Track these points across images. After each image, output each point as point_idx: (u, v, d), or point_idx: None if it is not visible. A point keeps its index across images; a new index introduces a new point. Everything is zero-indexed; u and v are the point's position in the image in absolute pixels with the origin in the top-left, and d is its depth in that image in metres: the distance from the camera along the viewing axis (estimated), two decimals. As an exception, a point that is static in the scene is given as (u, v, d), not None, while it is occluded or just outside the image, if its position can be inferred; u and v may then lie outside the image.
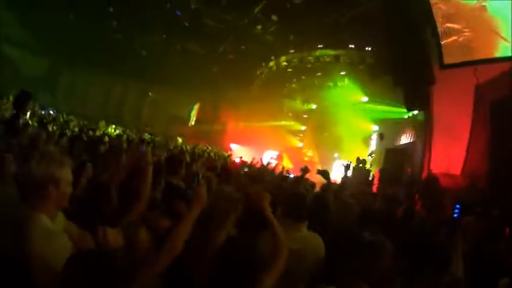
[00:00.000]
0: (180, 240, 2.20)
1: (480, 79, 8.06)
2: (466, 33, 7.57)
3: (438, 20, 8.01)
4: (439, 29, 8.23)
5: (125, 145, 8.80)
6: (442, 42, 8.26)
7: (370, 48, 12.98)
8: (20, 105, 5.89)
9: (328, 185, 4.78)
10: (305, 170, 5.30)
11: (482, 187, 8.37)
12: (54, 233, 1.96)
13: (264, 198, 2.71)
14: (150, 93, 21.69)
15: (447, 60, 8.40)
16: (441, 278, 3.20)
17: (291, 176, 13.69)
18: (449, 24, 7.95)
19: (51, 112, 11.89)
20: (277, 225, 2.57)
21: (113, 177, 3.12)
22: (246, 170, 10.70)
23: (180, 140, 17.99)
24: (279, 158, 18.83)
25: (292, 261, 2.77)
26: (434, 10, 8.15)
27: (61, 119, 10.91)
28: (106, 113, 19.56)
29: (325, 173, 5.00)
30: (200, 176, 2.92)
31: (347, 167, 13.54)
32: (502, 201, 7.18)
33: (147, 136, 14.13)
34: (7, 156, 3.34)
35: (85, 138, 8.47)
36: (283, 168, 14.51)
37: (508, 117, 7.45)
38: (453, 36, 7.63)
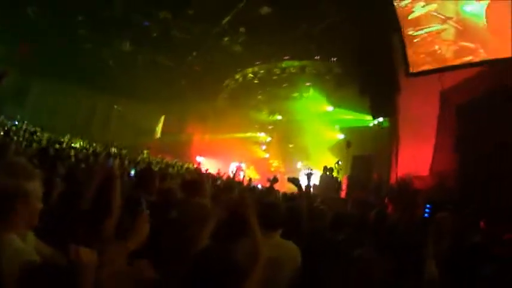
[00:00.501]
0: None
1: (445, 85, 8.58)
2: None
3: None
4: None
5: (91, 158, 8.56)
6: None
7: (336, 59, 13.44)
8: None
9: (300, 192, 4.87)
10: (274, 180, 5.35)
11: (451, 186, 8.87)
12: (26, 255, 1.77)
13: (248, 204, 2.78)
14: (115, 106, 21.18)
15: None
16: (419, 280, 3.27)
17: (259, 186, 13.83)
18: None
19: (17, 123, 11.20)
20: (258, 231, 2.63)
21: (86, 192, 2.98)
22: (218, 182, 10.67)
23: (145, 152, 17.56)
24: (238, 169, 18.88)
25: (269, 270, 2.77)
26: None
27: (25, 130, 10.31)
28: (75, 126, 18.84)
29: (295, 180, 5.04)
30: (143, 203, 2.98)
31: (309, 175, 13.94)
32: (471, 199, 7.66)
33: (113, 150, 13.72)
34: None
35: (51, 152, 8.05)
36: (249, 179, 14.63)
37: (473, 120, 8.01)
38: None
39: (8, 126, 9.77)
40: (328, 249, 3.37)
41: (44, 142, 9.06)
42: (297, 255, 3.08)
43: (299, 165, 18.21)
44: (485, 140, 7.59)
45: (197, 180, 4.56)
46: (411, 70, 9.22)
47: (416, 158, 10.57)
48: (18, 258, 1.70)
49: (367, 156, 13.90)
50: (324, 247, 3.43)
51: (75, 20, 13.57)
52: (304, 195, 4.62)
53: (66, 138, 12.86)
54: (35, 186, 1.83)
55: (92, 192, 2.98)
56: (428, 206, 9.24)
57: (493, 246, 4.75)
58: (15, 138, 7.75)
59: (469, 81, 7.70)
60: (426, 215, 8.98)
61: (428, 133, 9.81)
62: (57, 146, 9.62)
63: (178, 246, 2.48)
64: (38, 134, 9.85)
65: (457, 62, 7.59)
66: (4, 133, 7.63)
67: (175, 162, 18.22)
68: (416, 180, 10.22)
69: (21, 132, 9.20)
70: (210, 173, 12.28)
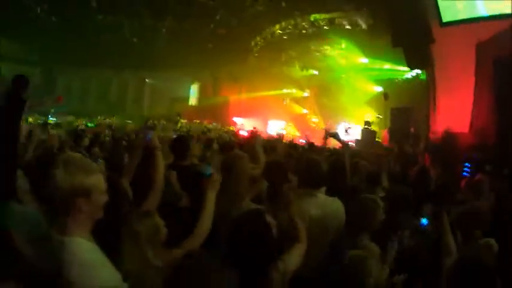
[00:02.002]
0: (207, 225, 2.42)
1: (481, 37, 7.79)
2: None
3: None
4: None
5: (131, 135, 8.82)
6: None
7: (366, 9, 12.53)
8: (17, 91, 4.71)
9: (344, 147, 4.71)
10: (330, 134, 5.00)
11: (490, 144, 8.30)
12: (95, 265, 1.71)
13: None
14: (146, 80, 21.47)
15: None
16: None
17: (302, 141, 13.75)
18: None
19: (50, 117, 11.76)
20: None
21: (125, 170, 2.97)
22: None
23: (178, 119, 17.85)
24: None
25: (314, 228, 2.86)
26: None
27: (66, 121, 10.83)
28: (108, 106, 19.49)
29: (336, 135, 4.90)
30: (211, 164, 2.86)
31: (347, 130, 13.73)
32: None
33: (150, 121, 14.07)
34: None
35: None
36: (292, 137, 14.58)
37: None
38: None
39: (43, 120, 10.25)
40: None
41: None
42: (341, 212, 3.10)
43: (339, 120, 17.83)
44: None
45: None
46: (444, 19, 8.43)
47: (454, 113, 9.97)
48: (85, 270, 1.66)
49: (406, 108, 13.30)
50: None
51: (89, 6, 13.50)
52: (345, 150, 4.54)
53: (100, 119, 13.27)
54: (96, 180, 1.78)
55: (133, 167, 2.96)
56: (467, 164, 8.81)
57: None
58: (52, 131, 8.14)
59: (507, 33, 6.89)
60: (465, 173, 8.60)
61: (466, 87, 9.11)
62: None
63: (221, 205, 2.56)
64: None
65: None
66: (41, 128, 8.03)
67: (215, 126, 18.58)
68: (456, 136, 9.69)
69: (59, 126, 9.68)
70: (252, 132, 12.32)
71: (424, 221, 3.35)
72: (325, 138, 5.23)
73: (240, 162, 3.12)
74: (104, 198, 1.81)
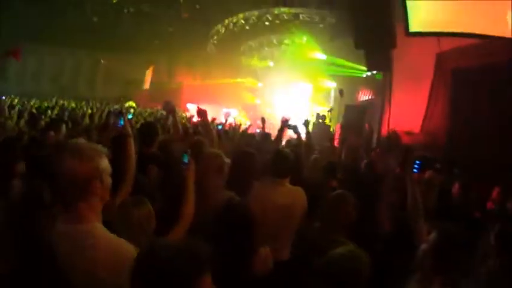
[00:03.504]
0: (191, 207, 2.43)
1: (443, 47, 8.49)
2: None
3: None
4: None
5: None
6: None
7: (331, 8, 12.98)
8: None
9: (299, 140, 5.04)
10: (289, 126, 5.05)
11: (441, 145, 9.16)
12: (119, 241, 1.73)
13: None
14: (102, 61, 20.37)
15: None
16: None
17: (257, 131, 13.95)
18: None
19: (3, 98, 10.78)
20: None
21: None
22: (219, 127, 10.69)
23: (132, 104, 17.21)
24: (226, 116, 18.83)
25: (282, 216, 3.11)
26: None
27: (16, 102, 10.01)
28: (60, 87, 18.24)
29: (295, 128, 5.18)
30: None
31: (306, 124, 14.12)
32: (462, 160, 7.97)
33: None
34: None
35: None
36: (244, 125, 14.72)
37: (468, 85, 8.08)
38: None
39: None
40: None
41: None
42: (305, 201, 3.28)
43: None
44: (479, 105, 7.74)
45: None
46: (410, 29, 9.02)
47: (408, 114, 10.72)
48: (113, 254, 1.66)
49: (360, 105, 13.98)
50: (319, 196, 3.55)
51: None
52: (304, 143, 4.79)
53: (53, 102, 12.47)
54: (106, 163, 1.80)
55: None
56: (417, 162, 9.65)
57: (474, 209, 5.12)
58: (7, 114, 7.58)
59: (468, 48, 7.65)
60: (415, 170, 9.41)
61: (422, 91, 9.87)
62: (48, 112, 9.43)
63: (198, 196, 2.53)
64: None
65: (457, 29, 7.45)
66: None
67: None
68: (407, 136, 10.49)
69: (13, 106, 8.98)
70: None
71: None
72: (282, 129, 5.33)
73: (206, 150, 3.33)
74: (110, 178, 1.84)
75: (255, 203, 2.98)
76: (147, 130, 4.19)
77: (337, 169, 4.75)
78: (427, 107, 9.91)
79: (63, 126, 5.92)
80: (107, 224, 1.82)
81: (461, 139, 8.28)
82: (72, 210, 1.72)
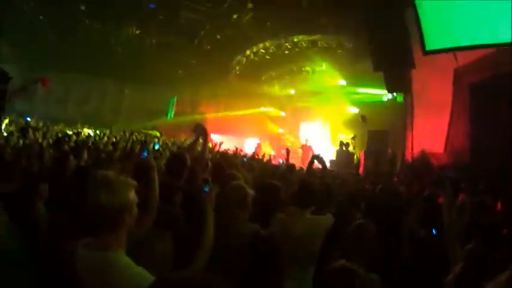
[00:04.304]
0: (210, 238, 2.34)
1: (459, 62, 8.33)
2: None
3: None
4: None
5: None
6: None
7: (348, 33, 13.09)
8: None
9: (324, 170, 4.90)
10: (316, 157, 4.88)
11: (465, 164, 8.76)
12: (140, 274, 1.77)
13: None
14: (125, 90, 21.27)
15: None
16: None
17: (280, 161, 13.84)
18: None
19: (29, 119, 11.36)
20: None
21: None
22: (244, 160, 10.67)
23: (157, 134, 17.61)
24: (258, 148, 18.94)
25: (297, 247, 2.97)
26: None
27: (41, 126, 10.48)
28: (85, 114, 19.10)
29: (320, 159, 5.03)
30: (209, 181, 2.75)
31: (315, 158, 13.88)
32: (487, 176, 7.55)
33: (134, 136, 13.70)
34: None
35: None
36: (269, 156, 14.66)
37: (487, 99, 7.81)
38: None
39: (23, 124, 9.91)
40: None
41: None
42: (325, 230, 3.17)
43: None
44: (498, 119, 7.42)
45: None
46: (427, 48, 8.93)
47: (431, 135, 10.48)
48: (128, 276, 1.73)
49: (383, 131, 13.73)
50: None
51: (78, 9, 13.39)
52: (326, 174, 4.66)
53: (78, 128, 12.96)
54: (134, 195, 1.90)
55: None
56: (443, 183, 9.22)
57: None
58: (31, 136, 7.88)
59: (483, 60, 7.44)
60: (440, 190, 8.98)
61: (443, 110, 9.65)
62: (73, 137, 9.69)
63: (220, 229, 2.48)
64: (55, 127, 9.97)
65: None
66: (21, 133, 7.75)
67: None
68: (432, 156, 10.14)
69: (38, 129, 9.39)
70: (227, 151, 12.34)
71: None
72: (312, 162, 5.32)
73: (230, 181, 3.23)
74: (137, 210, 1.92)
75: (276, 235, 2.95)
76: (175, 162, 4.17)
77: (360, 199, 4.64)
78: (449, 125, 9.63)
79: (85, 152, 6.05)
80: (129, 253, 1.87)
81: (485, 154, 7.91)
82: (102, 238, 1.82)
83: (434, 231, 3.89)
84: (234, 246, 2.44)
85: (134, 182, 1.95)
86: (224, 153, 9.65)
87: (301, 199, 3.26)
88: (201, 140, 4.70)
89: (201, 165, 4.30)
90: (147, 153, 2.94)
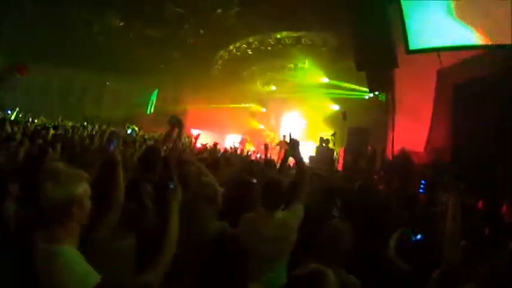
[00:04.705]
0: (174, 236, 2.26)
1: (443, 63, 8.50)
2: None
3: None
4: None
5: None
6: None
7: (332, 31, 13.18)
8: None
9: (300, 165, 4.86)
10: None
11: (446, 163, 8.99)
12: (85, 271, 1.76)
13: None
14: (107, 83, 20.81)
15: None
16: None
17: (258, 156, 13.84)
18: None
19: (9, 112, 10.95)
20: None
21: None
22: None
23: (136, 128, 17.27)
24: (243, 142, 18.90)
25: (267, 249, 2.93)
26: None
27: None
28: (67, 106, 18.61)
29: (294, 153, 4.91)
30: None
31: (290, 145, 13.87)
32: (467, 176, 7.79)
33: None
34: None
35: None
36: (248, 151, 14.62)
37: (470, 100, 8.02)
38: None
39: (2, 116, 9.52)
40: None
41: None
42: (296, 228, 3.07)
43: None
44: (481, 120, 7.64)
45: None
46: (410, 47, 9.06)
47: (412, 133, 10.65)
48: (70, 271, 1.70)
49: (363, 128, 13.91)
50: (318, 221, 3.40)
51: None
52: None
53: (58, 121, 12.59)
54: (85, 188, 1.87)
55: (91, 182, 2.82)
56: (422, 182, 9.45)
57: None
58: (9, 129, 7.60)
59: (468, 61, 7.64)
60: (421, 190, 9.20)
61: (425, 109, 9.83)
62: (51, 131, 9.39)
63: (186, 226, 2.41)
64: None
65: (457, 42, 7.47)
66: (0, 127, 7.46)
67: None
68: (412, 155, 10.35)
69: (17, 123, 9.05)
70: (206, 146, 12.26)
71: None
72: (285, 158, 5.18)
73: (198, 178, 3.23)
74: (90, 202, 1.89)
75: (245, 235, 2.92)
76: (148, 156, 4.03)
77: (336, 195, 4.62)
78: (431, 125, 9.82)
79: (58, 146, 5.86)
80: (87, 251, 1.84)
81: (466, 154, 8.14)
82: (49, 230, 1.79)
83: (419, 236, 3.95)
84: (197, 242, 2.43)
85: (86, 175, 1.92)
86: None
87: (269, 200, 3.10)
88: (176, 131, 4.63)
89: (173, 157, 4.25)
90: (113, 148, 2.76)
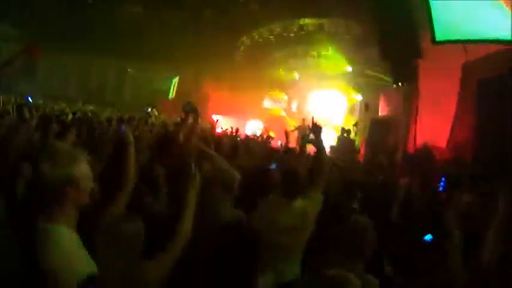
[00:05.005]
0: (188, 224, 2.25)
1: (468, 57, 8.09)
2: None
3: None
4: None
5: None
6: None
7: (356, 19, 12.75)
8: None
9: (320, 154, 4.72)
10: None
11: (468, 160, 8.62)
12: (74, 253, 1.76)
13: None
14: (129, 70, 21.06)
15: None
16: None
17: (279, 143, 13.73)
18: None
19: (29, 98, 11.30)
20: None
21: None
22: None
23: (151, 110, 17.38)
24: (265, 131, 18.74)
25: (284, 238, 2.92)
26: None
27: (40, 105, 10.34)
28: (87, 93, 19.01)
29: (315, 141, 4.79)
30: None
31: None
32: (489, 176, 7.43)
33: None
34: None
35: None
36: (268, 136, 14.52)
37: (495, 96, 7.60)
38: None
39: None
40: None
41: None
42: (314, 218, 3.07)
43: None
44: (506, 118, 7.23)
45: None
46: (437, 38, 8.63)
47: (434, 127, 10.30)
48: (65, 257, 1.71)
49: (386, 120, 13.54)
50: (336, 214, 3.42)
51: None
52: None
53: (79, 107, 12.87)
54: (83, 169, 1.85)
55: (102, 163, 2.86)
56: (443, 179, 9.11)
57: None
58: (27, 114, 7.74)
59: (494, 56, 7.20)
60: (441, 188, 8.88)
61: (448, 104, 9.44)
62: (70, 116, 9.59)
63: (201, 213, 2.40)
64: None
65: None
66: (17, 111, 7.62)
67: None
68: (434, 150, 10.00)
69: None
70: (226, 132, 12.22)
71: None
72: (303, 144, 5.02)
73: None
74: (90, 184, 1.89)
75: (260, 223, 2.87)
76: (163, 140, 4.08)
77: (357, 188, 4.50)
78: (454, 120, 9.43)
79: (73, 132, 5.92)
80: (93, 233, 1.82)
81: (489, 153, 7.76)
82: (46, 210, 1.81)
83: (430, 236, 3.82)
84: (210, 227, 2.37)
85: (85, 155, 1.90)
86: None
87: (288, 188, 3.11)
88: (191, 118, 4.60)
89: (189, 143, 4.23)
90: (124, 129, 2.80)
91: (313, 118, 3.77)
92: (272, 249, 2.71)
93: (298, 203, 3.04)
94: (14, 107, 7.79)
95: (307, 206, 3.03)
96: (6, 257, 2.10)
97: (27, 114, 8.23)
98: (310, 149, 4.32)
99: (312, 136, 3.58)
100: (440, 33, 8.16)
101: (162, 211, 3.07)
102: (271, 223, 2.92)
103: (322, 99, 18.35)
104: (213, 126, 11.03)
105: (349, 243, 2.61)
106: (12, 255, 2.09)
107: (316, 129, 3.51)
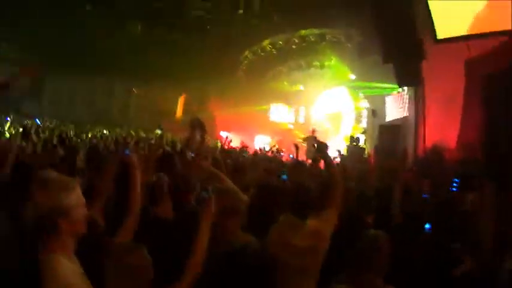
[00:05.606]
0: (201, 257, 2.17)
1: (471, 53, 7.98)
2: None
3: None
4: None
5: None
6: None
7: (356, 26, 12.80)
8: None
9: (329, 169, 4.58)
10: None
11: (478, 159, 8.41)
12: (72, 283, 1.70)
13: None
14: (134, 90, 21.34)
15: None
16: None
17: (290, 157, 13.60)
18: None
19: (38, 121, 11.46)
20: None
21: (96, 192, 2.66)
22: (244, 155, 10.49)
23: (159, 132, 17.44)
24: (278, 144, 18.61)
25: (296, 259, 2.73)
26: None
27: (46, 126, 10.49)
28: (93, 113, 19.27)
29: (324, 155, 4.64)
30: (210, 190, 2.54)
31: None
32: (500, 172, 7.22)
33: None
34: None
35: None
36: (276, 150, 14.39)
37: (500, 92, 7.46)
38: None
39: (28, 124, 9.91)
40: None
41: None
42: (329, 236, 2.88)
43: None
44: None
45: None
46: (438, 36, 8.58)
47: (443, 129, 10.13)
48: (55, 282, 1.66)
49: (394, 125, 13.40)
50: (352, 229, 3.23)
51: (83, 10, 13.41)
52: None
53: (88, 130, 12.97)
54: (75, 197, 1.78)
55: (105, 188, 2.73)
56: (456, 180, 8.89)
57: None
58: (35, 137, 7.84)
59: (496, 50, 7.10)
60: (454, 189, 8.66)
61: (454, 103, 9.30)
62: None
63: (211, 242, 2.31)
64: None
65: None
66: (23, 133, 7.73)
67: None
68: (444, 152, 9.82)
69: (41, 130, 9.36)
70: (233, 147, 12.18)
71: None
72: (316, 159, 4.83)
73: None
74: (84, 211, 1.81)
75: (273, 247, 2.76)
76: (165, 160, 3.98)
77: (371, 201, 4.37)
78: (462, 119, 9.26)
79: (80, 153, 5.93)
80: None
81: (498, 150, 7.57)
82: (42, 240, 1.74)
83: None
84: (220, 255, 2.28)
85: (75, 184, 1.82)
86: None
87: (299, 208, 2.97)
88: (198, 136, 4.51)
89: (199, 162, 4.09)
90: (129, 152, 2.74)
91: (313, 130, 3.65)
92: (288, 272, 2.65)
93: (312, 223, 2.90)
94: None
95: (322, 225, 2.89)
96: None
97: (34, 137, 8.33)
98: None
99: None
100: (441, 31, 8.12)
101: (168, 239, 2.94)
102: (286, 245, 2.79)
103: (328, 109, 18.30)
104: (223, 143, 11.02)
105: (366, 259, 2.57)
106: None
107: (321, 147, 3.36)
